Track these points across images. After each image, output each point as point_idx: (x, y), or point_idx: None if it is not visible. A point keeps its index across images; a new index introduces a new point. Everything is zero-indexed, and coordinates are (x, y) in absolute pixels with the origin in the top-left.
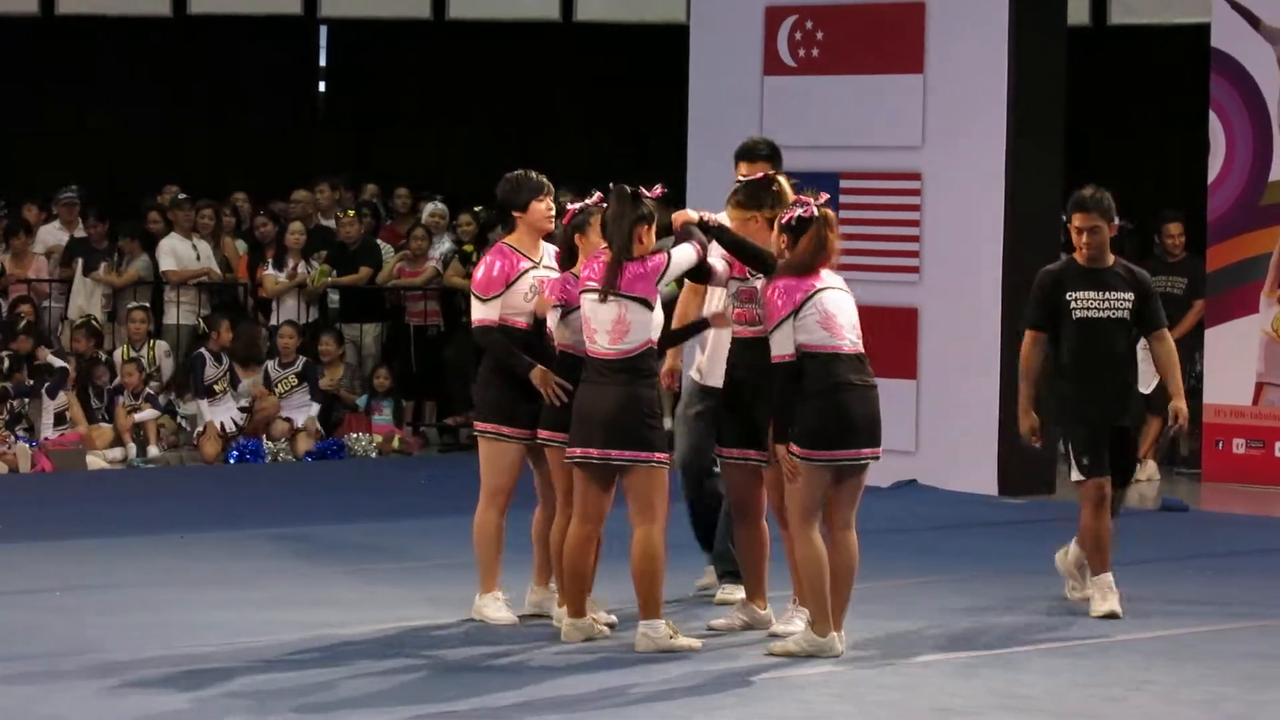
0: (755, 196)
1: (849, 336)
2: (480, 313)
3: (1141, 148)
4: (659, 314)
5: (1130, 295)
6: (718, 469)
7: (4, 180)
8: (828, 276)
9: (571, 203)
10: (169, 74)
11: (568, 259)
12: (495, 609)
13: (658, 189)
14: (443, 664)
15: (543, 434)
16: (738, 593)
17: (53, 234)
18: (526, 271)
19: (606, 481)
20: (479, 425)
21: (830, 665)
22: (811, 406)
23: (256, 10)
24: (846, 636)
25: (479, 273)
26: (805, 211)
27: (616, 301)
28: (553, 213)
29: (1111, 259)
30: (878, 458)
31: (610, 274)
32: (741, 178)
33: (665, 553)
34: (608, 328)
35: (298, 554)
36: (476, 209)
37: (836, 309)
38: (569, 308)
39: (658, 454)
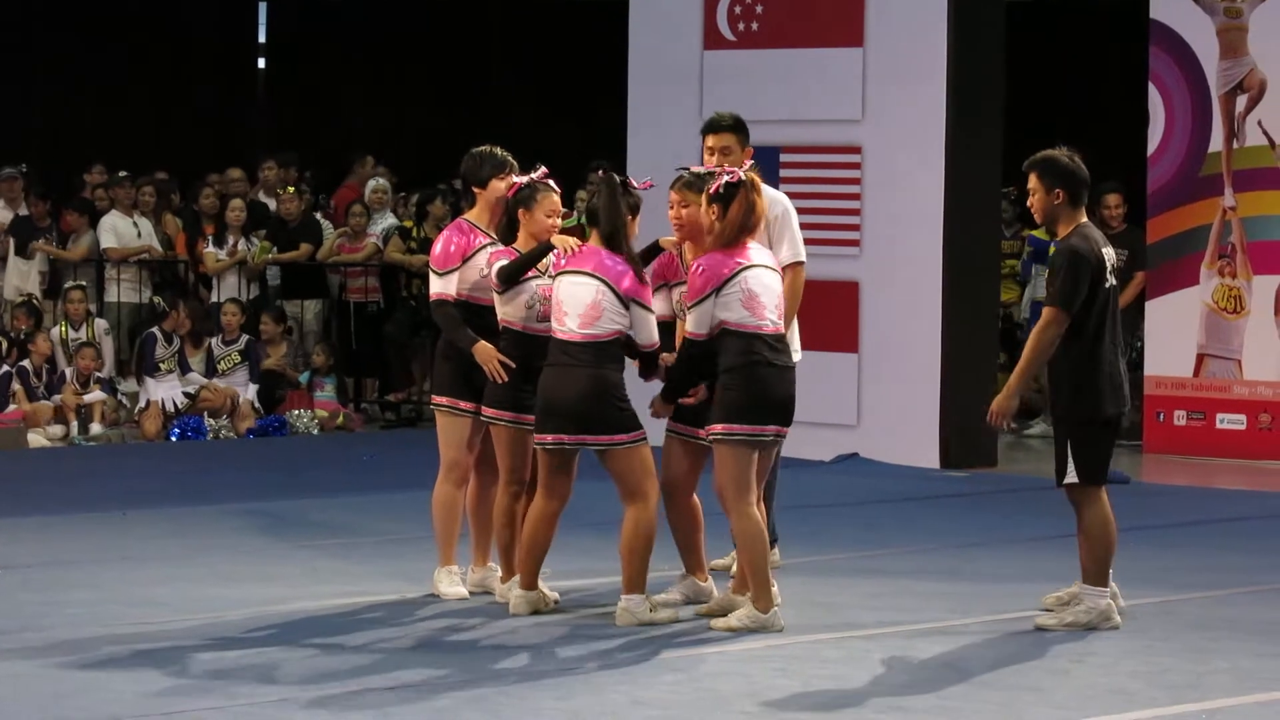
0: (702, 182)
1: (769, 317)
2: (436, 287)
3: (1080, 119)
4: (650, 316)
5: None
6: None
7: None
8: (755, 253)
9: (518, 176)
10: (108, 48)
11: (508, 233)
12: (448, 583)
13: (647, 181)
14: (392, 638)
15: (487, 411)
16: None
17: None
18: (484, 247)
19: (573, 462)
20: (435, 399)
21: (772, 639)
22: (732, 382)
23: None
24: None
25: (436, 247)
26: (732, 177)
27: (595, 287)
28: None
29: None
30: (784, 437)
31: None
32: (708, 149)
33: (654, 531)
34: (580, 310)
35: (241, 530)
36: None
37: (761, 288)
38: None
39: (633, 433)
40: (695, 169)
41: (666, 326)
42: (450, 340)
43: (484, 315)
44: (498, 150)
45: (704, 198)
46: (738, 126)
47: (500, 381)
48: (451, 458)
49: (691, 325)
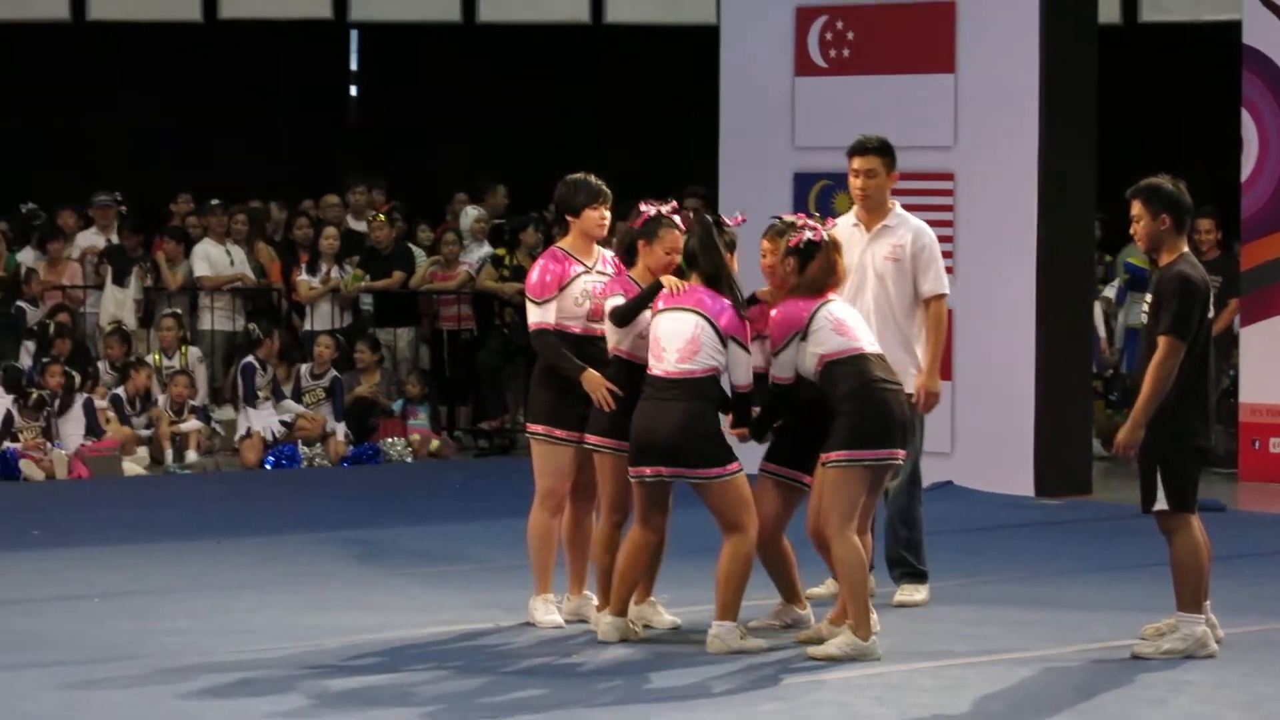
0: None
1: (866, 337)
2: (535, 316)
3: (1173, 145)
4: (747, 357)
5: None
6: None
7: (39, 187)
8: (832, 294)
9: (645, 205)
10: (200, 79)
11: (627, 260)
12: (543, 611)
13: (739, 216)
14: (487, 666)
15: (591, 439)
16: (917, 594)
17: (89, 239)
18: (578, 276)
19: (668, 496)
20: (530, 427)
21: (870, 668)
22: (851, 408)
23: (287, 15)
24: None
25: (532, 276)
26: (815, 235)
27: (695, 321)
28: (605, 221)
29: None
30: (898, 460)
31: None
32: (854, 170)
33: (752, 562)
34: (679, 345)
35: (336, 558)
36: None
37: (847, 314)
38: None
39: (727, 466)
40: (788, 218)
41: (760, 378)
42: (554, 368)
43: (579, 343)
44: (591, 178)
45: (781, 246)
46: (884, 149)
47: (608, 409)
48: (547, 486)
49: (776, 370)
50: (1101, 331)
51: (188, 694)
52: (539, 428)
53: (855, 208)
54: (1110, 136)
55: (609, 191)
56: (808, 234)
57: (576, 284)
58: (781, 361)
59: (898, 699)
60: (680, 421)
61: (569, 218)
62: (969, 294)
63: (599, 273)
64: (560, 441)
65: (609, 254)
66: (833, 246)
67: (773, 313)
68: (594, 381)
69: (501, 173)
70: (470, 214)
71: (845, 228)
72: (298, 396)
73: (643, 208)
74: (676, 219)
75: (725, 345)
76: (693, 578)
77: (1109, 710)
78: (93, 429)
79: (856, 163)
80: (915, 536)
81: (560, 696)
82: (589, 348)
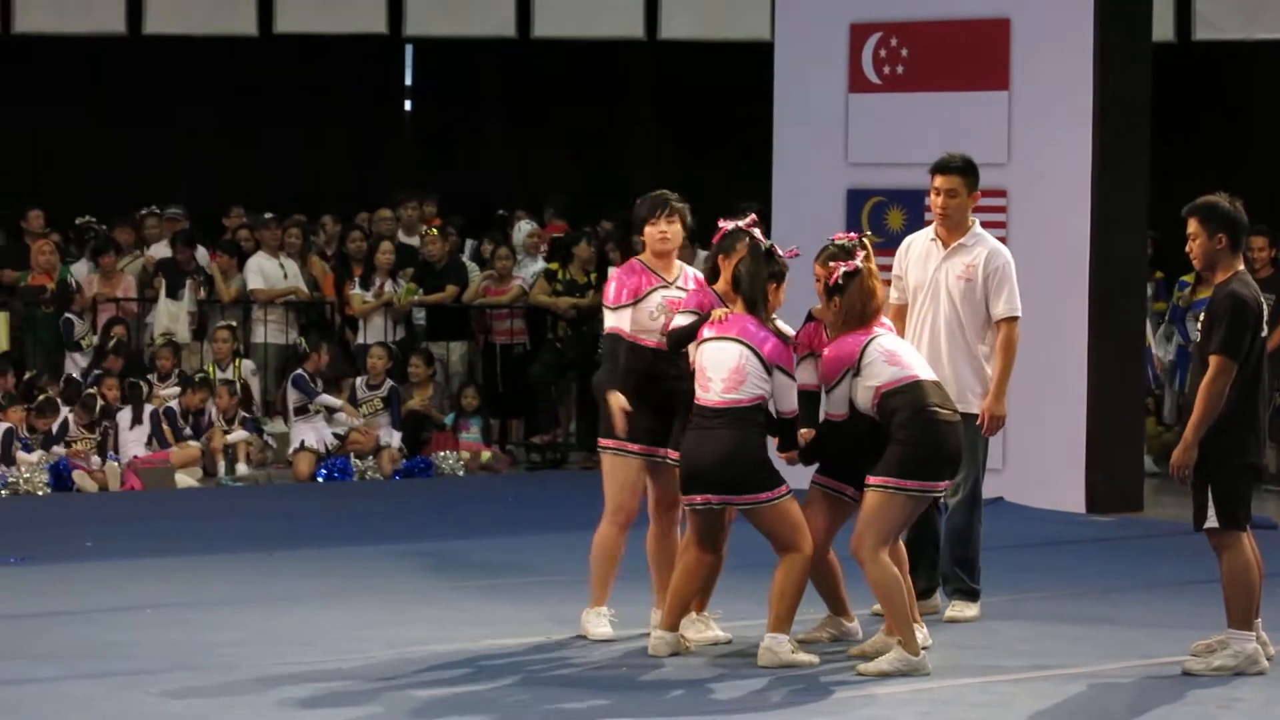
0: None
1: (918, 364)
2: (610, 321)
3: (1227, 162)
4: (791, 384)
5: None
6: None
7: (94, 199)
8: (881, 327)
9: (724, 221)
10: (255, 92)
11: (711, 277)
12: (596, 624)
13: (794, 249)
14: (541, 678)
15: (674, 455)
16: (968, 610)
17: (162, 250)
18: (655, 289)
19: (721, 520)
20: (603, 441)
21: (920, 683)
22: (907, 436)
23: (342, 29)
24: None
25: (610, 287)
26: (848, 268)
27: (739, 351)
28: (666, 235)
29: None
30: (940, 492)
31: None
32: (935, 189)
33: (807, 578)
34: (723, 375)
35: (386, 570)
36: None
37: (897, 345)
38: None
39: (775, 490)
40: (840, 240)
41: (811, 396)
42: (611, 383)
43: (648, 357)
44: (658, 193)
45: (822, 289)
46: (967, 169)
47: (621, 432)
48: (616, 500)
49: (830, 407)
50: (1155, 350)
51: (240, 706)
52: (610, 442)
53: (934, 223)
54: (1164, 154)
55: (677, 205)
56: (841, 269)
57: (653, 297)
58: (835, 398)
59: (945, 714)
60: (727, 450)
61: (639, 235)
62: (1022, 309)
63: (678, 288)
64: (630, 455)
65: (693, 271)
66: (866, 274)
67: (825, 350)
68: (615, 401)
69: (554, 187)
70: (523, 229)
71: (922, 241)
72: (354, 408)
73: (721, 223)
74: (756, 231)
75: (770, 373)
76: (744, 591)
77: None
78: (159, 439)
79: (939, 181)
80: (970, 554)
81: (613, 708)
82: (662, 363)
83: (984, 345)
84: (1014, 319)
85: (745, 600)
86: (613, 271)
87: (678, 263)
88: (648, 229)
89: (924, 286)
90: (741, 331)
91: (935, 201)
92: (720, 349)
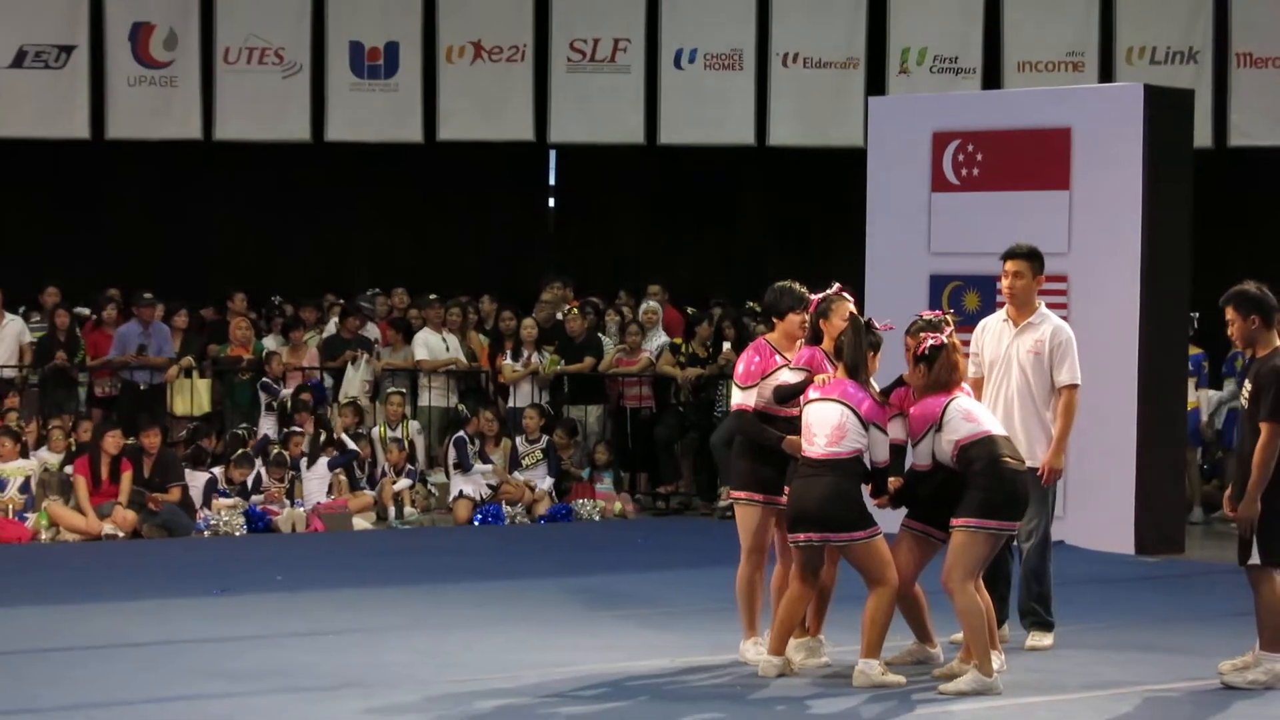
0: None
1: (991, 421)
2: (738, 398)
3: (1261, 253)
4: (884, 438)
5: None
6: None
7: (280, 284)
8: (958, 392)
9: (815, 294)
10: (421, 192)
11: (814, 338)
12: (754, 652)
13: (888, 323)
14: (655, 696)
15: (782, 501)
16: (1045, 639)
17: (372, 331)
18: (780, 368)
19: (821, 556)
20: (734, 493)
21: (993, 701)
22: (984, 482)
23: (496, 137)
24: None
25: (740, 365)
26: (935, 341)
27: (841, 410)
28: (807, 323)
29: None
30: (1014, 531)
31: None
32: (1005, 272)
33: (893, 609)
34: (827, 431)
35: (538, 602)
36: (690, 310)
37: (973, 406)
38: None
39: (868, 530)
40: (927, 316)
41: (900, 449)
42: (756, 441)
43: (776, 424)
44: (796, 286)
45: (911, 357)
46: (1033, 255)
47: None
48: (751, 544)
49: (916, 459)
50: (1203, 413)
51: (405, 718)
52: (741, 493)
53: (1005, 304)
54: (1203, 245)
55: (810, 296)
56: (929, 341)
57: (779, 374)
58: (920, 451)
59: None
60: (827, 494)
61: (775, 319)
62: (1081, 378)
63: (794, 368)
64: (759, 504)
65: (808, 351)
66: (951, 349)
67: (911, 410)
68: (795, 444)
69: (677, 273)
70: (644, 307)
71: (996, 322)
72: (516, 462)
73: (812, 296)
74: (846, 294)
75: (866, 429)
76: (838, 621)
77: None
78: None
79: (1008, 265)
80: (1044, 591)
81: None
82: (786, 426)
83: (1051, 410)
84: (1075, 386)
85: (839, 630)
86: (746, 352)
87: (798, 342)
88: (791, 316)
89: (999, 361)
90: (843, 394)
91: (1005, 283)
92: (824, 408)
